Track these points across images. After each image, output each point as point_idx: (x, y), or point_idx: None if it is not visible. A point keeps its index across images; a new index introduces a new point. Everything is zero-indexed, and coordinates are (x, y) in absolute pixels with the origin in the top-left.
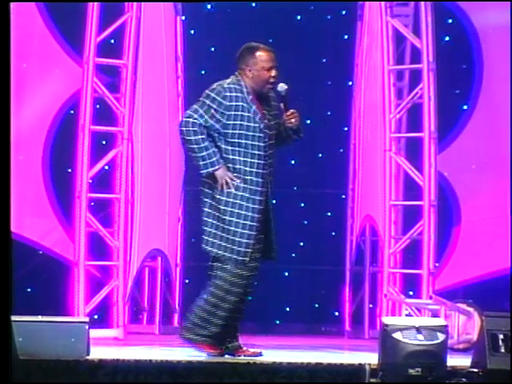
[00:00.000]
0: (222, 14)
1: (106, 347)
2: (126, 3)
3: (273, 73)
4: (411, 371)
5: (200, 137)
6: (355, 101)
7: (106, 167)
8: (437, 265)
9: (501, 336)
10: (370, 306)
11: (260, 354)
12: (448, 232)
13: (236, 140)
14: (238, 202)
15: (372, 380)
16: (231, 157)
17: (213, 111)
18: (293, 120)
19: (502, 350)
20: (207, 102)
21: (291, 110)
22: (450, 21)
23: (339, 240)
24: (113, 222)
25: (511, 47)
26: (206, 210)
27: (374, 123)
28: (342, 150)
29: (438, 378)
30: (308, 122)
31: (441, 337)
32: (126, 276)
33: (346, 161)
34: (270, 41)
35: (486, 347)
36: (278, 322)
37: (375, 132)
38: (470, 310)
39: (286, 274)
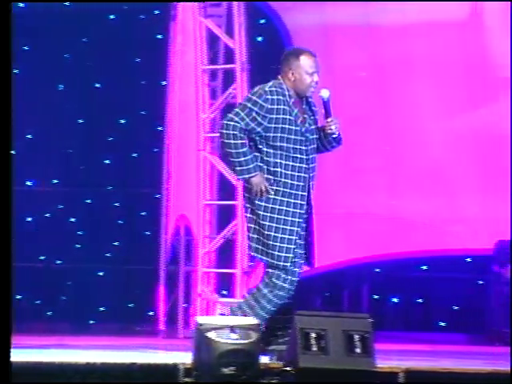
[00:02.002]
0: (34, 12)
1: None
2: None
3: (315, 78)
4: (225, 370)
5: (239, 141)
6: (169, 100)
7: None
8: (251, 264)
9: (313, 334)
10: (185, 305)
11: None
12: None
13: (278, 143)
14: (277, 207)
15: (186, 380)
16: (272, 160)
17: (254, 114)
18: (333, 127)
19: (314, 349)
20: (249, 104)
21: (331, 117)
22: (263, 21)
23: (154, 239)
24: None
25: (511, 47)
26: (248, 215)
27: (189, 123)
28: (156, 150)
29: (251, 376)
30: (122, 121)
31: (254, 336)
32: None
33: (161, 160)
34: (84, 40)
35: (298, 346)
36: (91, 321)
37: (189, 131)
38: None
39: (101, 273)
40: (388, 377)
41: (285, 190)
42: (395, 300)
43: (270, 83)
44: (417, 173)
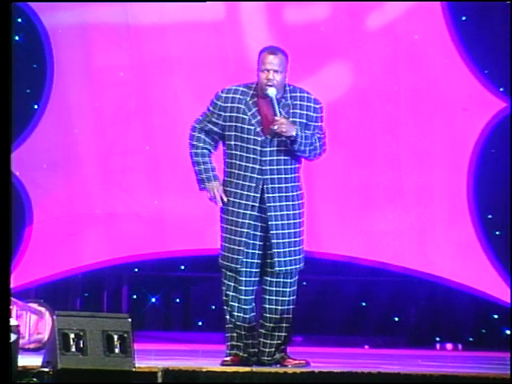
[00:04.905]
0: None
1: None
2: None
3: (269, 75)
4: None
5: (193, 150)
6: None
7: None
8: None
9: (72, 335)
10: None
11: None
12: (21, 232)
13: (232, 142)
14: (230, 208)
15: None
16: (228, 160)
17: (209, 114)
18: (275, 126)
19: (73, 350)
20: (209, 106)
21: (276, 117)
22: (20, 20)
23: None
24: None
25: (511, 48)
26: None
27: None
28: None
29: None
30: None
31: (12, 337)
32: None
33: None
34: None
35: (57, 346)
36: None
37: None
38: (42, 309)
39: None
40: (147, 376)
41: (236, 190)
42: (154, 300)
43: (237, 83)
44: (178, 173)
